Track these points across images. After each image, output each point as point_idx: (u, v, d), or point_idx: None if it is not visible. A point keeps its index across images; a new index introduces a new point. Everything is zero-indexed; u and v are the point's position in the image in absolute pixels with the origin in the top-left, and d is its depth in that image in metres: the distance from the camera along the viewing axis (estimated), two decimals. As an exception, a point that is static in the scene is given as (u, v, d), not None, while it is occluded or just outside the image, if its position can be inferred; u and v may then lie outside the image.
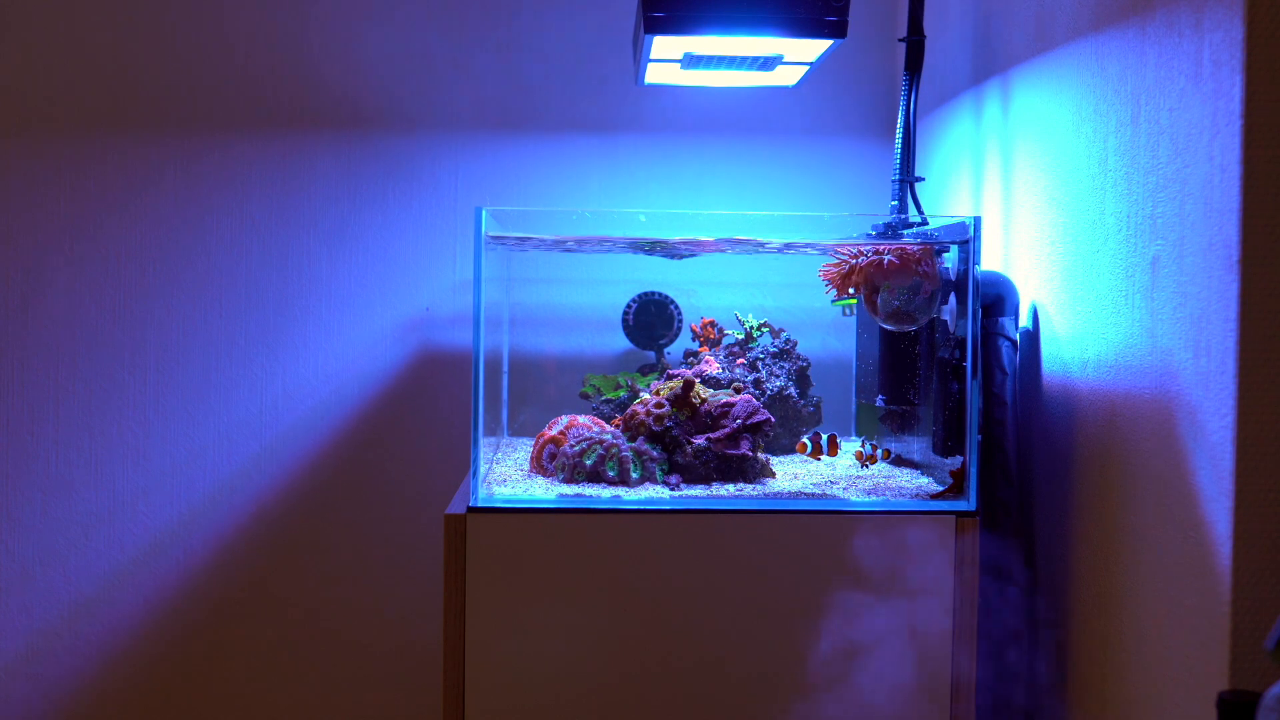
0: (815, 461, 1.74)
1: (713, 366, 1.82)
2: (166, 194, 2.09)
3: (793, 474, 1.66)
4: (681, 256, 1.74)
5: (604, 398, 1.87)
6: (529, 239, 1.71)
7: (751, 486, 1.57)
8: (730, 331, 1.94)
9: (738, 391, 1.68)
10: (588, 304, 2.11)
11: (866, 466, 1.69)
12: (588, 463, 1.58)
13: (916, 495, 1.54)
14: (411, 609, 2.13)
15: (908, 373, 1.67)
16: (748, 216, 1.84)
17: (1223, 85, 1.07)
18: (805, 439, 1.67)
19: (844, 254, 1.62)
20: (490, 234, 1.55)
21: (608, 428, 1.67)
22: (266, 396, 2.11)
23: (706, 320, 1.95)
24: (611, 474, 1.57)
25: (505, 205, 2.09)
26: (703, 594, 1.48)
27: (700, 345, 1.94)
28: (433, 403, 2.12)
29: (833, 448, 1.66)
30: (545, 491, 1.55)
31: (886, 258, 1.58)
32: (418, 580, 2.13)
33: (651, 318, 1.97)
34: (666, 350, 1.99)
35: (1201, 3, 1.11)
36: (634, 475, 1.57)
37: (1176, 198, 1.16)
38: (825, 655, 1.47)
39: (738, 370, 1.82)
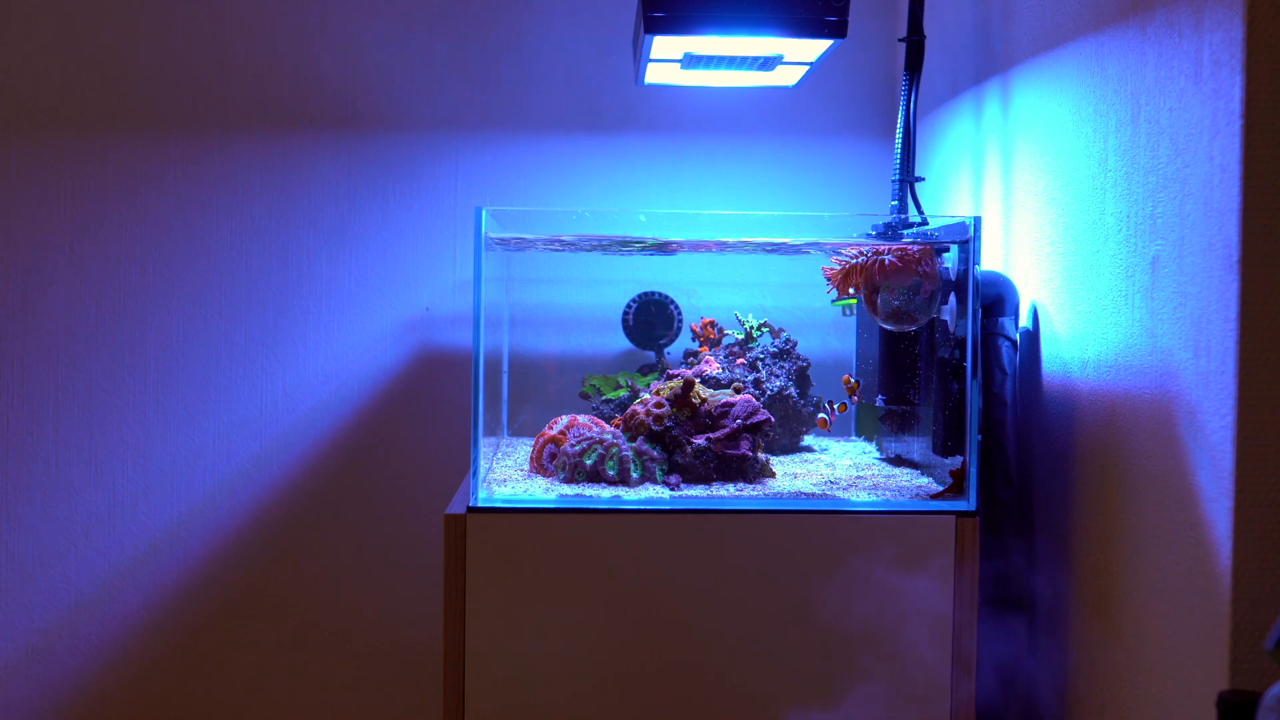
0: (826, 432, 1.82)
1: (713, 366, 1.82)
2: (166, 194, 2.09)
3: (793, 474, 1.66)
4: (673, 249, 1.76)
5: (604, 398, 1.87)
6: (529, 239, 1.71)
7: (751, 486, 1.57)
8: (730, 331, 1.94)
9: (738, 391, 1.68)
10: (588, 304, 2.11)
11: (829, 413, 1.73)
12: (588, 462, 1.58)
13: (916, 495, 1.54)
14: (411, 609, 2.13)
15: (908, 373, 1.67)
16: (748, 216, 1.84)
17: (1223, 85, 1.07)
18: (822, 414, 1.72)
19: (849, 255, 1.62)
20: (491, 235, 1.54)
21: (608, 428, 1.67)
22: (266, 396, 2.11)
23: (706, 320, 1.95)
24: (611, 474, 1.57)
25: (505, 205, 2.09)
26: (703, 594, 1.48)
27: (700, 345, 1.94)
28: (433, 403, 2.12)
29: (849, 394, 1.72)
30: (545, 491, 1.55)
31: (886, 258, 1.58)
32: (418, 580, 2.13)
33: (651, 318, 1.97)
34: (666, 350, 1.99)
35: (1201, 3, 1.11)
36: (634, 475, 1.57)
37: (1176, 198, 1.16)
38: (825, 655, 1.47)
39: (738, 370, 1.82)
